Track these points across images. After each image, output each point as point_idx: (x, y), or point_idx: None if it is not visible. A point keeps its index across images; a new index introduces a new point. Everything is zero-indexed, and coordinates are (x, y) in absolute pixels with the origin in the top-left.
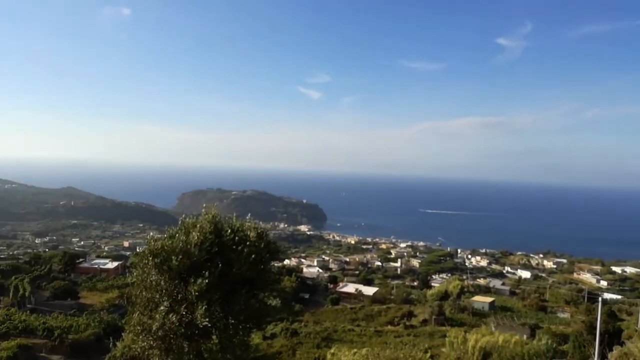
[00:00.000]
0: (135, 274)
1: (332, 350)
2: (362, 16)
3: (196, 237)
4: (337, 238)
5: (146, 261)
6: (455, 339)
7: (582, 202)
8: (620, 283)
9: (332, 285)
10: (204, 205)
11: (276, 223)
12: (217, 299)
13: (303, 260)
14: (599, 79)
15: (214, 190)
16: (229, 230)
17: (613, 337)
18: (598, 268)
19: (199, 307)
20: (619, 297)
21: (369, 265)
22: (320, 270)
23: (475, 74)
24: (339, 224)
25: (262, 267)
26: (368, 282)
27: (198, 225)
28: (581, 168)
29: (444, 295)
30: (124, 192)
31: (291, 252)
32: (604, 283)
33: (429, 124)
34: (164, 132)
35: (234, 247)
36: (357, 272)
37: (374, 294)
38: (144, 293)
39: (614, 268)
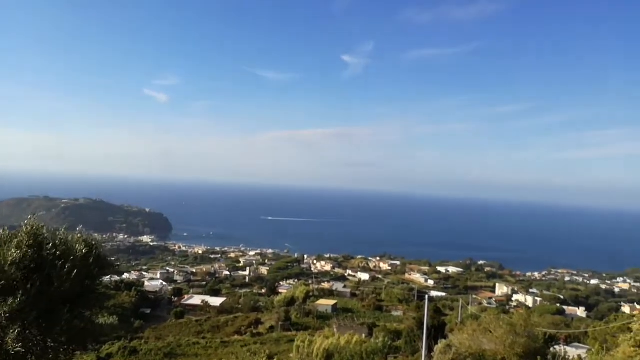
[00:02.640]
0: None
1: None
2: (214, 20)
3: (14, 253)
4: (184, 248)
5: None
6: (302, 343)
7: (415, 209)
8: (444, 281)
9: (176, 298)
10: (29, 216)
11: (115, 234)
12: (33, 320)
13: (145, 273)
14: (429, 98)
15: (40, 199)
16: (51, 244)
17: (438, 331)
18: (426, 268)
19: (11, 330)
20: (443, 294)
21: (217, 275)
22: (164, 283)
23: (324, 86)
24: (185, 234)
25: (89, 282)
26: (215, 293)
27: (15, 240)
28: (414, 177)
29: (291, 301)
30: None
31: (131, 265)
32: (431, 282)
33: (281, 133)
34: None
35: (56, 262)
36: (204, 282)
37: (221, 304)
38: None
39: (439, 268)
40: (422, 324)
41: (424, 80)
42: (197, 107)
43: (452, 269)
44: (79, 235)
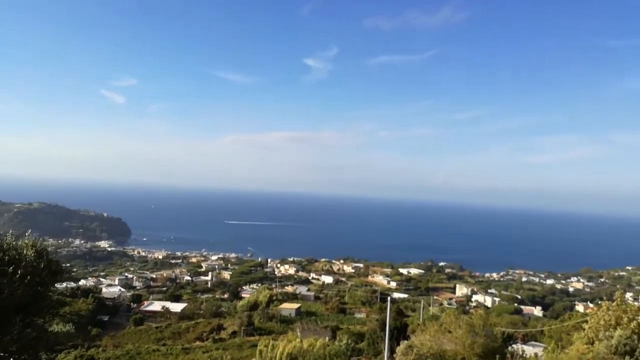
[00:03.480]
0: None
1: None
2: (173, 19)
3: None
4: (143, 254)
5: None
6: (265, 347)
7: (379, 212)
8: (406, 283)
9: (135, 305)
10: None
11: (70, 239)
12: None
13: (102, 279)
14: (393, 104)
15: None
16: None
17: (401, 332)
18: (388, 270)
19: None
20: (406, 295)
21: (178, 281)
22: (123, 290)
23: (287, 90)
24: (145, 239)
25: (41, 289)
26: (176, 299)
27: None
28: (379, 181)
29: (254, 305)
30: None
31: (88, 272)
32: (393, 284)
33: (244, 136)
34: None
35: (6, 268)
36: (164, 288)
37: (183, 310)
38: None
39: (401, 270)
40: (385, 325)
41: (388, 85)
42: (156, 109)
43: (414, 271)
44: (27, 240)
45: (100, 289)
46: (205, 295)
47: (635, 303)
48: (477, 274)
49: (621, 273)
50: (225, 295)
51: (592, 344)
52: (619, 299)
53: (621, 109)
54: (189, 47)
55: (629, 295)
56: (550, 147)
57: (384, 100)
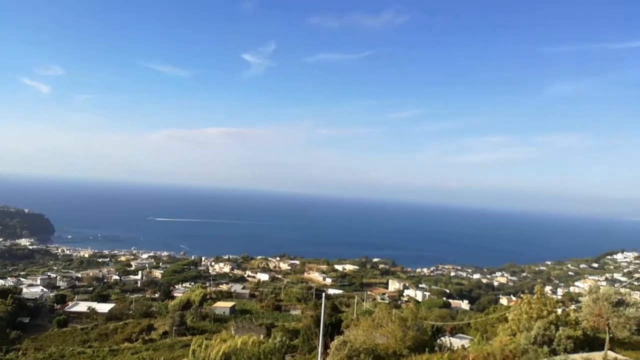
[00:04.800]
0: None
1: None
2: (104, 5)
3: None
4: (68, 252)
5: None
6: (197, 347)
7: (316, 209)
8: (341, 279)
9: (59, 306)
10: None
11: None
12: None
13: (23, 279)
14: (331, 102)
15: None
16: None
17: (335, 327)
18: (324, 267)
19: None
20: (340, 291)
21: (106, 280)
22: (45, 290)
23: (225, 85)
24: (70, 237)
25: None
26: (103, 299)
27: None
28: (316, 179)
29: (187, 305)
30: None
31: (7, 271)
32: (328, 280)
33: (178, 131)
34: None
35: None
36: (91, 288)
37: (110, 310)
38: None
39: (336, 266)
40: (320, 321)
41: (327, 84)
42: (84, 101)
43: (349, 267)
44: None
45: (21, 290)
46: (135, 295)
47: (554, 296)
48: (409, 269)
49: (541, 268)
50: (157, 295)
51: (515, 335)
52: (538, 292)
53: (545, 113)
54: (119, 36)
55: (548, 288)
56: (478, 147)
57: (322, 99)
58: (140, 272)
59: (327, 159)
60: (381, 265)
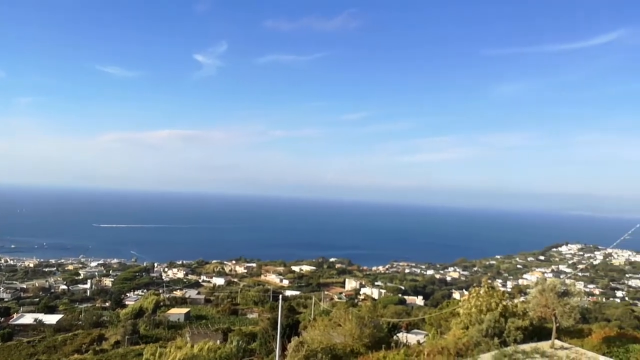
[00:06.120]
0: None
1: None
2: (43, 4)
3: None
4: (11, 262)
5: None
6: (151, 356)
7: (272, 210)
8: (298, 280)
9: (3, 319)
10: None
11: None
12: None
13: None
14: (284, 104)
15: None
16: None
17: (292, 329)
18: (281, 269)
19: None
20: (298, 292)
21: (53, 290)
22: None
23: (174, 86)
24: (13, 246)
25: None
26: (51, 310)
27: None
28: (271, 180)
29: (139, 313)
30: None
31: None
32: (286, 282)
33: (125, 134)
34: None
35: None
36: (37, 299)
37: (58, 321)
38: None
39: (293, 267)
40: (277, 324)
41: (279, 85)
42: (24, 104)
43: (306, 268)
44: None
45: None
46: (85, 305)
47: (503, 288)
48: (365, 267)
49: (491, 262)
50: (107, 304)
51: (467, 328)
52: (485, 286)
53: (493, 113)
54: (63, 37)
55: (498, 281)
56: (426, 147)
57: (275, 100)
58: (89, 280)
59: (281, 160)
60: (338, 265)
